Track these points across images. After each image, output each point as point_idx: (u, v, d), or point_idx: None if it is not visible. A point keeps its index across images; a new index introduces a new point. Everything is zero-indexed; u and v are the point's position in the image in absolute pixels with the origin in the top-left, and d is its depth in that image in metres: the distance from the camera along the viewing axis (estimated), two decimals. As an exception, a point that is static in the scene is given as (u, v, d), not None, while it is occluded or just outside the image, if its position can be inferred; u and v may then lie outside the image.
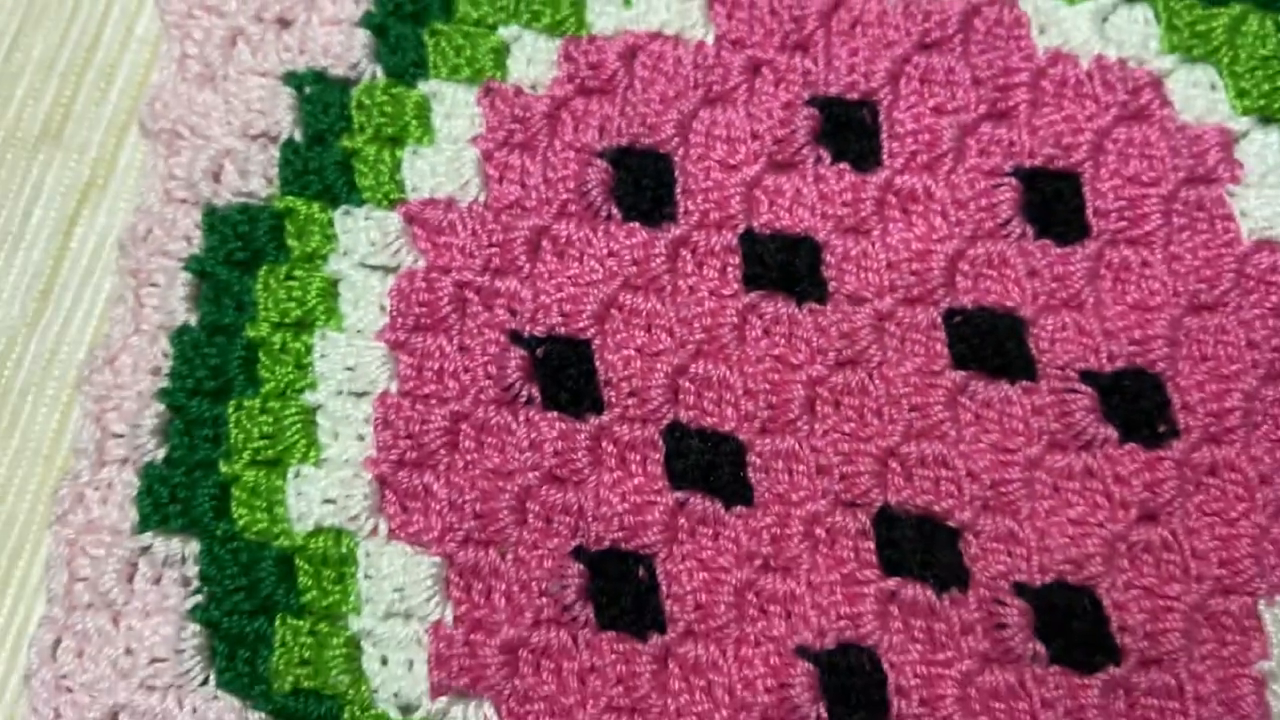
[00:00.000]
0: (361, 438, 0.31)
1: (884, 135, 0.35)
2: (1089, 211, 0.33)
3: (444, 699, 0.30)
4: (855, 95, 0.35)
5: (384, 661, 0.31)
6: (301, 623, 0.30)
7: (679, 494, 0.31)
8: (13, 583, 0.32)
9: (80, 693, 0.32)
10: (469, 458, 0.32)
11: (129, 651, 0.31)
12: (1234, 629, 0.34)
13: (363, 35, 0.34)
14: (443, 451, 0.31)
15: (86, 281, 0.35)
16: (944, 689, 0.31)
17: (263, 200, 0.33)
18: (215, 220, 0.33)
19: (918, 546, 0.31)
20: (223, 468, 0.31)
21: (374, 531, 0.31)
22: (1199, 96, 0.35)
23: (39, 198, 0.35)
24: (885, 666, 0.30)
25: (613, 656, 0.30)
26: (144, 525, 0.31)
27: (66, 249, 0.35)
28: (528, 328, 0.33)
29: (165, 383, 0.32)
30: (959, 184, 0.34)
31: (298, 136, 0.34)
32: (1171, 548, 0.32)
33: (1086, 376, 0.32)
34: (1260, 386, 0.33)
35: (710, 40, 0.35)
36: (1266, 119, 0.35)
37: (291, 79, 0.34)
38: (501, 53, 0.35)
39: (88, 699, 0.32)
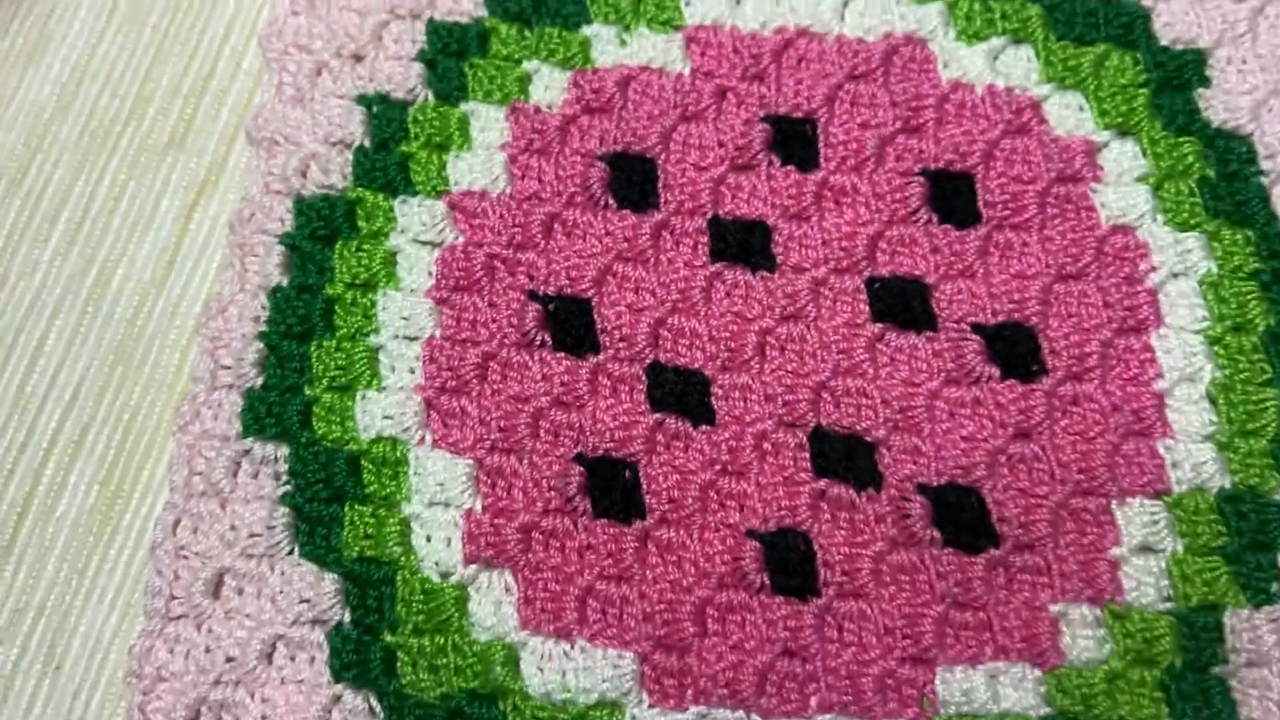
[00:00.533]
0: (413, 371, 0.38)
1: (821, 144, 0.42)
2: (980, 203, 0.40)
3: (473, 567, 0.36)
4: (799, 114, 0.41)
5: (428, 538, 0.37)
6: (365, 508, 0.37)
7: (657, 415, 0.38)
8: (142, 480, 0.39)
9: (194, 559, 0.38)
10: (495, 387, 0.38)
11: (232, 528, 0.37)
12: (1091, 522, 0.39)
13: (418, 67, 0.42)
14: (475, 382, 0.38)
15: (203, 254, 0.42)
16: (861, 564, 0.36)
17: (339, 191, 0.41)
18: (303, 206, 0.41)
19: (842, 456, 0.38)
20: (307, 391, 0.38)
21: (421, 440, 0.38)
22: (1069, 115, 0.43)
23: (166, 190, 0.43)
24: (815, 546, 0.37)
25: (604, 537, 0.37)
26: (245, 433, 0.37)
27: (187, 229, 0.42)
28: (542, 288, 0.40)
29: (264, 328, 0.39)
30: (879, 182, 0.40)
31: (367, 144, 0.41)
32: (1040, 459, 0.38)
33: (976, 328, 0.39)
34: (1113, 337, 0.39)
35: (687, 72, 0.42)
36: (1123, 132, 0.42)
37: (363, 100, 0.42)
38: (525, 81, 0.42)
39: (200, 564, 0.38)
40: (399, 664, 0.37)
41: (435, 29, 0.42)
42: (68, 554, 0.38)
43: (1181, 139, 0.41)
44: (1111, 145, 0.42)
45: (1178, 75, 0.43)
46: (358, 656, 0.36)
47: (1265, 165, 0.42)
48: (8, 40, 0.43)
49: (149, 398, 0.40)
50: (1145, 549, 0.37)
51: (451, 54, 0.43)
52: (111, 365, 0.40)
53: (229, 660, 0.37)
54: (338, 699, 0.37)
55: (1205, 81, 0.43)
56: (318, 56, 0.43)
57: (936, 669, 0.37)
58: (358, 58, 0.43)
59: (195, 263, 0.41)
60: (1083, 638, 0.37)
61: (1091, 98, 0.42)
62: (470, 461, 0.38)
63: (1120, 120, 0.41)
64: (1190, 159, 0.41)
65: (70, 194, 0.42)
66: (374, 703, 0.37)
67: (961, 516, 0.37)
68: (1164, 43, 0.43)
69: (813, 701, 0.37)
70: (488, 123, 0.42)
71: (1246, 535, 0.38)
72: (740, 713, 0.37)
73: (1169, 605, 0.37)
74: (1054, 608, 0.36)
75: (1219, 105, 0.42)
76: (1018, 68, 0.42)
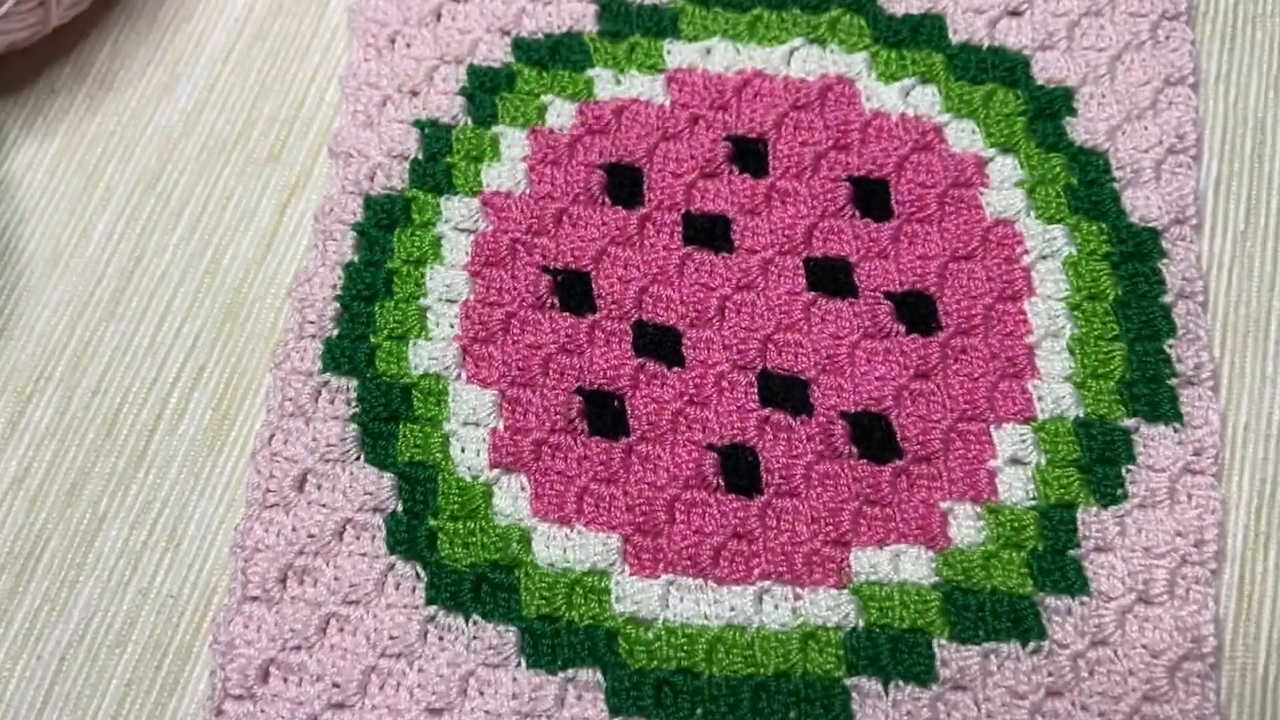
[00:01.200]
0: (452, 325, 0.46)
1: (771, 157, 0.49)
2: (893, 202, 0.48)
3: (496, 470, 0.44)
4: (754, 135, 0.49)
5: (462, 449, 0.44)
6: (414, 426, 0.44)
7: (640, 360, 0.46)
8: (245, 406, 0.47)
9: (284, 463, 0.45)
10: (515, 338, 0.46)
11: (314, 440, 0.44)
12: (974, 441, 0.45)
13: (460, 100, 0.50)
14: (499, 334, 0.46)
15: (293, 239, 0.49)
16: (794, 471, 0.43)
17: (398, 191, 0.49)
18: (370, 203, 0.48)
19: (782, 390, 0.45)
20: (371, 339, 0.46)
21: (458, 377, 0.45)
22: (964, 137, 0.49)
23: (265, 192, 0.50)
24: (760, 458, 0.44)
25: (597, 450, 0.44)
26: (324, 370, 0.45)
27: (281, 221, 0.50)
28: (552, 264, 0.47)
29: (339, 293, 0.47)
30: (815, 186, 0.48)
31: (420, 156, 0.49)
32: (935, 394, 0.45)
33: (888, 295, 0.47)
34: (994, 303, 0.46)
35: (668, 104, 0.50)
36: (1005, 150, 0.48)
37: (417, 124, 0.50)
38: (542, 110, 0.50)
39: (289, 466, 0.45)
40: (439, 541, 0.44)
41: (474, 71, 0.51)
42: (187, 460, 0.46)
43: (1051, 154, 0.49)
44: (996, 159, 0.49)
45: (1049, 107, 0.51)
46: (407, 536, 0.45)
47: (1117, 174, 0.50)
48: (145, 79, 0.53)
49: (250, 346, 0.48)
50: (1015, 461, 0.44)
51: (486, 90, 0.51)
52: (222, 322, 0.48)
53: (310, 537, 0.45)
54: (392, 567, 0.45)
55: (1072, 112, 0.51)
56: (384, 91, 0.50)
57: (851, 549, 0.45)
58: (414, 93, 0.51)
59: (287, 246, 0.49)
60: (965, 527, 0.44)
61: (981, 124, 0.49)
62: (495, 393, 0.45)
63: (1003, 141, 0.49)
64: (1057, 169, 0.49)
65: (192, 195, 0.51)
66: (419, 570, 0.44)
67: (873, 436, 0.45)
68: (1040, 82, 0.51)
69: (755, 572, 0.44)
70: (513, 141, 0.50)
71: (1095, 452, 0.45)
72: (700, 580, 0.46)
73: (1033, 503, 0.44)
74: (943, 504, 0.43)
75: (1081, 129, 0.50)
76: (924, 101, 0.50)
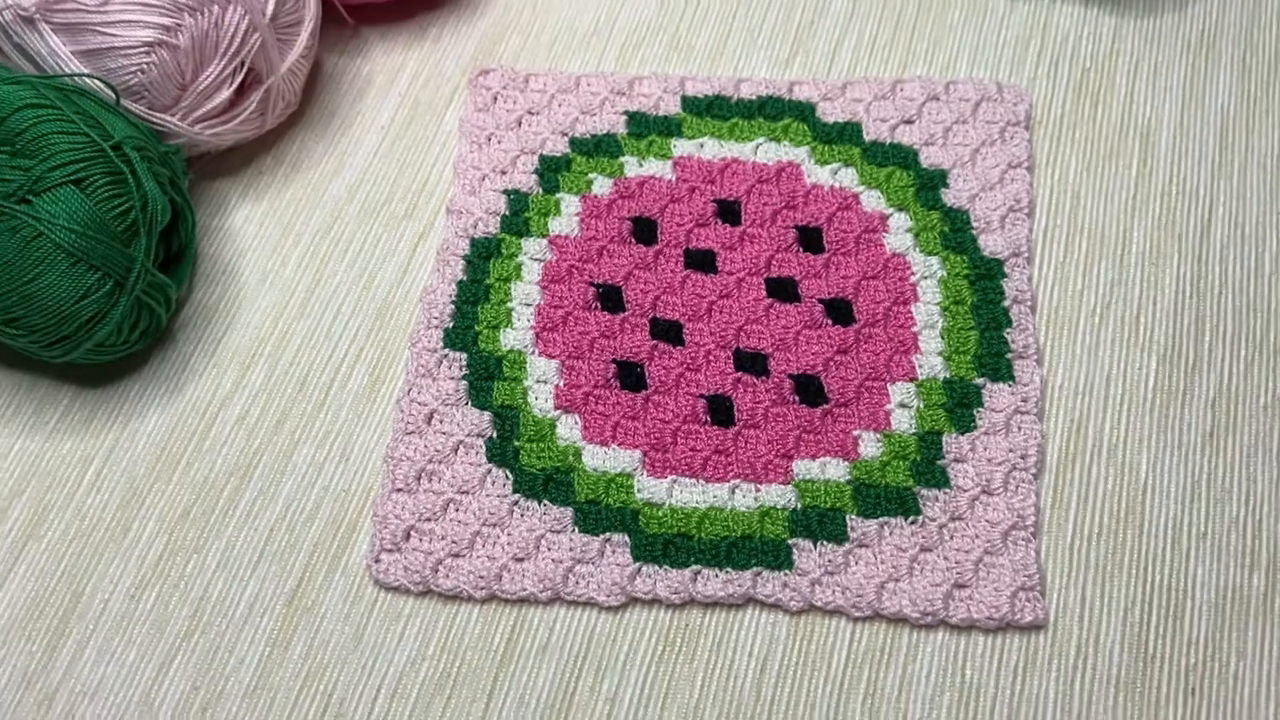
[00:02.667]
0: (529, 320, 0.65)
1: (743, 214, 0.68)
2: (825, 242, 0.67)
3: (559, 411, 0.63)
4: (732, 199, 0.69)
5: (536, 398, 0.63)
6: (505, 382, 0.63)
7: (655, 342, 0.64)
8: (389, 377, 0.67)
9: (418, 407, 0.64)
10: (571, 329, 0.65)
11: (438, 391, 0.64)
12: (878, 392, 0.64)
13: (534, 177, 0.70)
14: (561, 325, 0.65)
15: (421, 268, 0.70)
16: (757, 412, 0.62)
17: (493, 235, 0.68)
18: (474, 242, 0.68)
19: (749, 361, 0.64)
20: (475, 328, 0.65)
21: (533, 352, 0.65)
22: (873, 200, 0.68)
23: (403, 237, 0.70)
24: (734, 403, 0.63)
25: (626, 398, 0.63)
26: (445, 346, 0.65)
27: (414, 256, 0.69)
28: (596, 280, 0.67)
29: (454, 299, 0.66)
30: (773, 231, 0.68)
31: (507, 213, 0.68)
32: (851, 362, 0.63)
33: (821, 300, 0.66)
34: (891, 306, 0.65)
35: (674, 179, 0.70)
36: (900, 209, 0.68)
37: (505, 192, 0.70)
38: (590, 183, 0.69)
39: (420, 409, 0.64)
40: (520, 454, 0.64)
41: (543, 159, 0.72)
42: (353, 407, 0.65)
43: (931, 212, 0.69)
44: (894, 215, 0.68)
45: (930, 182, 0.71)
46: (500, 450, 0.64)
47: (974, 225, 0.68)
48: (321, 165, 0.75)
49: (393, 336, 0.67)
50: (903, 405, 0.63)
51: (551, 171, 0.71)
52: (374, 320, 0.67)
53: (435, 452, 0.65)
54: (489, 471, 0.64)
55: (946, 185, 0.71)
56: (483, 171, 0.74)
57: (793, 461, 0.64)
58: (503, 172, 0.72)
59: (417, 272, 0.68)
60: (869, 446, 0.62)
61: (884, 192, 0.69)
62: (558, 362, 0.64)
63: (899, 203, 0.68)
64: (935, 221, 0.69)
65: (354, 239, 0.70)
66: (507, 473, 0.65)
67: (810, 389, 0.63)
68: (925, 166, 0.71)
69: (730, 474, 0.63)
70: (569, 203, 0.69)
71: (956, 399, 0.64)
72: (693, 479, 0.64)
73: (914, 432, 0.65)
74: (855, 432, 0.62)
75: (952, 196, 0.69)
76: (846, 178, 0.69)
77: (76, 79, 0.62)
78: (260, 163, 0.74)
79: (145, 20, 0.62)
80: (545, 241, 0.69)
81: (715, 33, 0.78)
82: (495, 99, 0.75)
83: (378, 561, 0.61)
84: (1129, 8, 0.77)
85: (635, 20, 0.79)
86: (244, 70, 0.66)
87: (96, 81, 0.63)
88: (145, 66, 0.63)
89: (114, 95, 0.63)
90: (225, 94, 0.66)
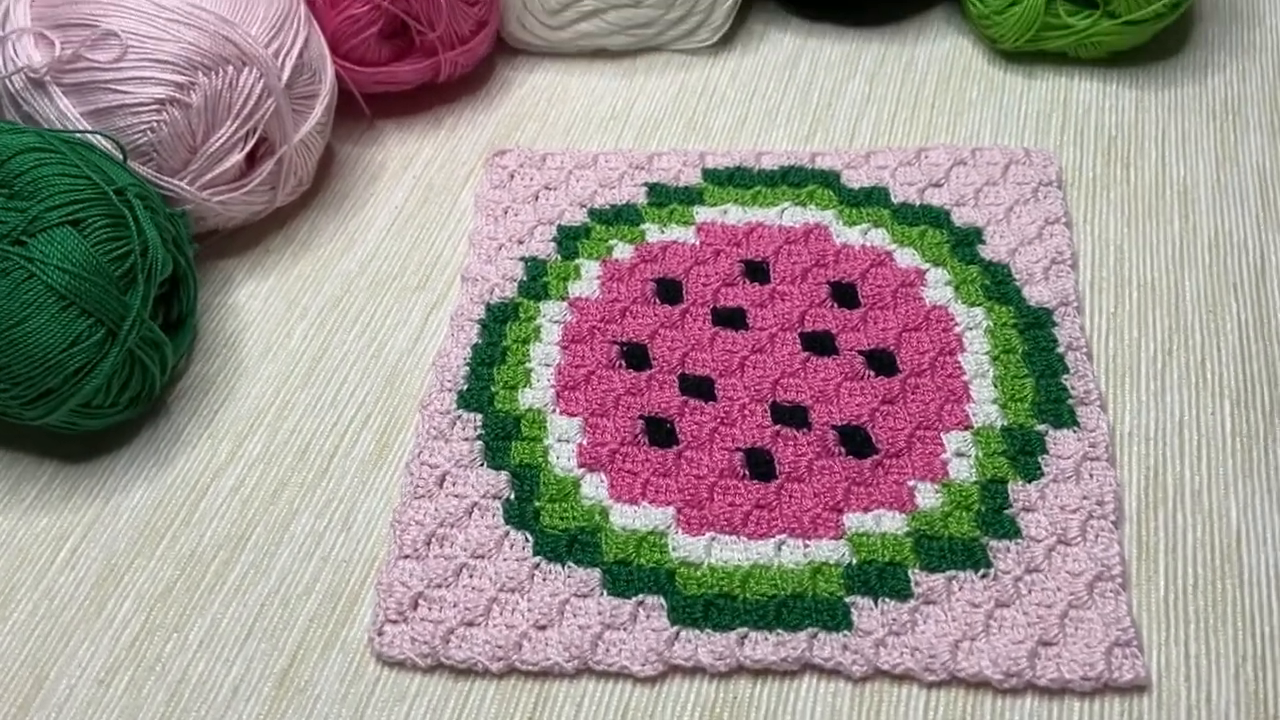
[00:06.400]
0: (549, 380, 0.61)
1: (772, 272, 0.66)
2: (860, 297, 0.64)
3: (583, 469, 0.57)
4: (759, 259, 0.66)
5: (559, 455, 0.58)
6: (523, 442, 0.59)
7: (685, 397, 0.60)
8: (396, 443, 0.61)
9: (429, 469, 0.58)
10: (595, 386, 0.61)
11: (450, 454, 0.58)
12: (931, 442, 0.59)
13: (554, 245, 0.68)
14: (584, 384, 0.61)
15: (434, 336, 0.63)
16: (800, 466, 0.57)
17: (510, 299, 0.65)
18: (490, 308, 0.64)
19: (788, 414, 0.60)
20: (492, 388, 0.61)
21: (554, 410, 0.60)
22: (908, 258, 0.66)
23: (415, 307, 0.66)
24: (775, 456, 0.58)
25: (656, 455, 0.58)
26: (458, 407, 0.60)
27: (426, 324, 0.65)
28: (620, 339, 0.63)
29: (468, 362, 0.63)
30: (804, 288, 0.64)
31: (525, 279, 0.66)
32: (899, 412, 0.59)
33: (861, 352, 0.62)
34: (937, 356, 0.61)
35: (698, 244, 0.67)
36: (936, 264, 0.65)
37: (523, 259, 0.67)
38: (610, 249, 0.67)
39: (431, 470, 0.58)
40: (541, 515, 0.57)
41: (561, 229, 0.69)
42: (357, 474, 0.59)
43: (969, 266, 0.67)
44: (930, 270, 0.65)
45: (965, 239, 0.68)
46: (519, 512, 0.58)
47: (1016, 277, 0.67)
48: (332, 242, 0.71)
49: (402, 402, 0.62)
50: (960, 454, 0.58)
51: (570, 239, 0.68)
52: (383, 388, 0.62)
53: (447, 515, 0.58)
54: (507, 534, 0.58)
55: (982, 240, 0.69)
56: (500, 241, 0.68)
57: (844, 514, 0.57)
58: (520, 242, 0.69)
59: (430, 340, 0.64)
60: (927, 497, 0.56)
61: (918, 249, 0.66)
62: (581, 419, 0.60)
63: (934, 259, 0.66)
64: (975, 275, 0.67)
65: (364, 310, 0.67)
66: (527, 535, 0.58)
67: (856, 439, 0.58)
68: (958, 225, 0.69)
69: (774, 530, 0.57)
70: (589, 268, 0.66)
71: (1018, 446, 0.59)
72: (734, 536, 0.58)
73: (975, 480, 0.58)
74: (910, 483, 0.57)
75: (989, 251, 0.68)
76: (877, 237, 0.67)
77: (85, 135, 0.60)
78: (269, 241, 0.71)
79: (158, 77, 0.61)
80: (565, 304, 0.65)
81: (732, 115, 0.77)
82: (512, 176, 0.73)
83: (381, 634, 0.53)
84: (1149, 81, 0.77)
85: (652, 107, 0.78)
86: (256, 136, 0.64)
87: (105, 141, 0.60)
88: (155, 125, 0.61)
89: (121, 154, 0.60)
90: (236, 158, 0.64)
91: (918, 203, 0.70)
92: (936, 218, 0.68)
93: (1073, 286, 0.65)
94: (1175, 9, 0.75)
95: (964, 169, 0.71)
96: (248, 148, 0.64)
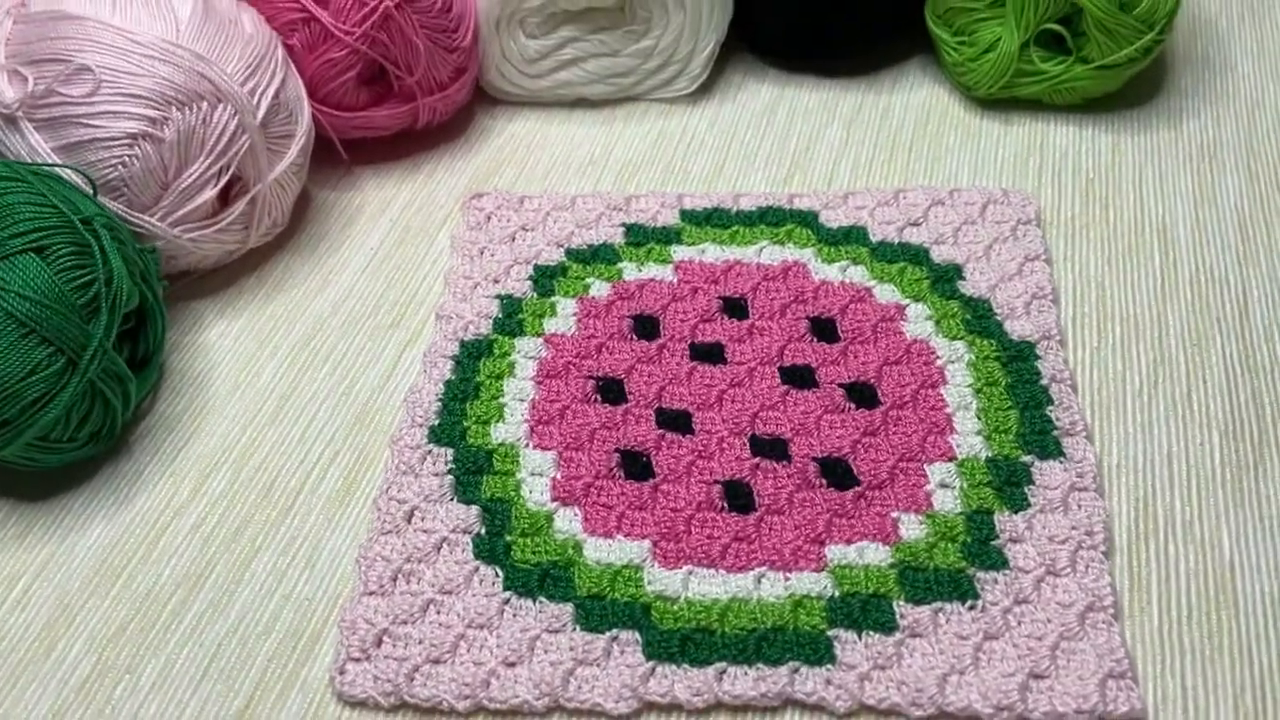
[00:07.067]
0: (523, 415, 0.59)
1: (750, 308, 0.65)
2: (840, 331, 0.64)
3: (556, 504, 0.56)
4: (737, 295, 0.65)
5: (531, 489, 0.57)
6: (496, 477, 0.57)
7: (662, 431, 0.59)
8: (364, 480, 0.59)
9: (398, 505, 0.56)
10: (570, 421, 0.59)
11: (420, 489, 0.56)
12: (914, 474, 0.57)
13: (529, 283, 0.67)
14: (559, 419, 0.59)
15: (406, 374, 0.64)
16: (780, 498, 0.55)
17: (484, 336, 0.64)
18: (464, 344, 0.63)
19: (768, 446, 0.58)
20: (464, 423, 0.59)
21: (527, 445, 0.58)
22: (887, 293, 0.65)
23: (388, 345, 0.65)
24: (753, 488, 0.56)
25: (632, 488, 0.56)
26: (429, 442, 0.59)
27: (399, 362, 0.63)
28: (596, 374, 0.62)
29: (440, 398, 0.61)
30: (783, 323, 0.63)
31: (500, 315, 0.65)
32: (881, 444, 0.57)
33: (841, 385, 0.61)
34: (919, 389, 0.60)
35: (676, 281, 0.66)
36: (916, 300, 0.65)
37: (498, 297, 0.66)
38: (587, 287, 0.66)
39: (400, 505, 0.56)
40: (512, 550, 0.55)
41: (538, 268, 0.68)
42: (323, 512, 0.57)
43: (949, 301, 0.67)
44: (910, 305, 0.65)
45: (945, 275, 0.68)
46: (489, 546, 0.56)
47: (997, 311, 0.66)
48: (305, 283, 0.70)
49: (372, 439, 0.60)
50: (944, 485, 0.56)
51: (547, 277, 0.68)
52: (352, 424, 0.61)
53: (414, 550, 0.56)
54: (476, 569, 0.55)
55: (962, 277, 0.69)
56: (475, 280, 0.68)
57: (826, 546, 0.55)
58: (495, 280, 0.68)
59: (402, 377, 0.63)
60: (911, 528, 0.55)
61: (898, 285, 0.66)
62: (554, 453, 0.58)
63: (914, 295, 0.65)
64: (955, 309, 0.66)
65: (335, 348, 0.65)
66: (497, 570, 0.56)
67: (837, 471, 0.57)
68: (938, 261, 0.69)
69: (753, 562, 0.55)
70: (565, 306, 0.65)
71: (1003, 477, 0.57)
72: (711, 569, 0.56)
73: (960, 511, 0.57)
74: (893, 514, 0.55)
75: (970, 286, 0.68)
76: (857, 274, 0.67)
77: (54, 168, 0.60)
78: (242, 282, 0.70)
79: (131, 112, 0.60)
80: (540, 340, 0.64)
81: (711, 160, 0.77)
82: (489, 218, 0.72)
83: (343, 673, 0.51)
84: (1125, 126, 0.77)
85: (631, 153, 0.78)
86: (229, 173, 0.64)
87: (75, 175, 0.60)
88: (127, 159, 0.61)
89: (92, 188, 0.60)
90: (209, 195, 0.63)
91: (896, 241, 0.69)
92: (916, 255, 0.68)
93: (1054, 321, 0.64)
94: (1147, 54, 0.75)
95: (942, 209, 0.71)
96: (220, 184, 0.64)
